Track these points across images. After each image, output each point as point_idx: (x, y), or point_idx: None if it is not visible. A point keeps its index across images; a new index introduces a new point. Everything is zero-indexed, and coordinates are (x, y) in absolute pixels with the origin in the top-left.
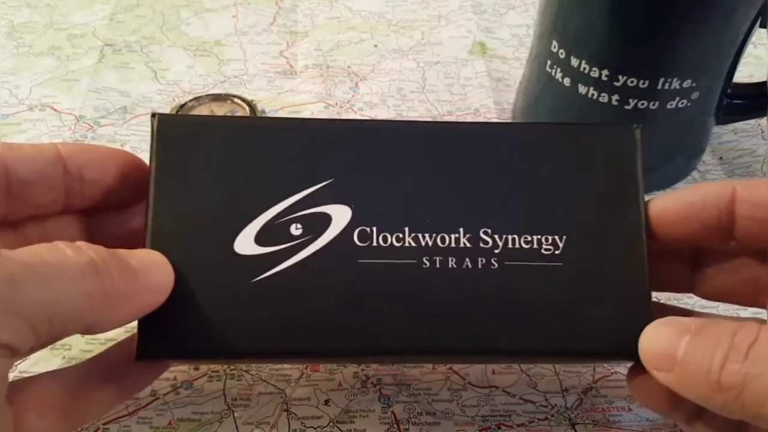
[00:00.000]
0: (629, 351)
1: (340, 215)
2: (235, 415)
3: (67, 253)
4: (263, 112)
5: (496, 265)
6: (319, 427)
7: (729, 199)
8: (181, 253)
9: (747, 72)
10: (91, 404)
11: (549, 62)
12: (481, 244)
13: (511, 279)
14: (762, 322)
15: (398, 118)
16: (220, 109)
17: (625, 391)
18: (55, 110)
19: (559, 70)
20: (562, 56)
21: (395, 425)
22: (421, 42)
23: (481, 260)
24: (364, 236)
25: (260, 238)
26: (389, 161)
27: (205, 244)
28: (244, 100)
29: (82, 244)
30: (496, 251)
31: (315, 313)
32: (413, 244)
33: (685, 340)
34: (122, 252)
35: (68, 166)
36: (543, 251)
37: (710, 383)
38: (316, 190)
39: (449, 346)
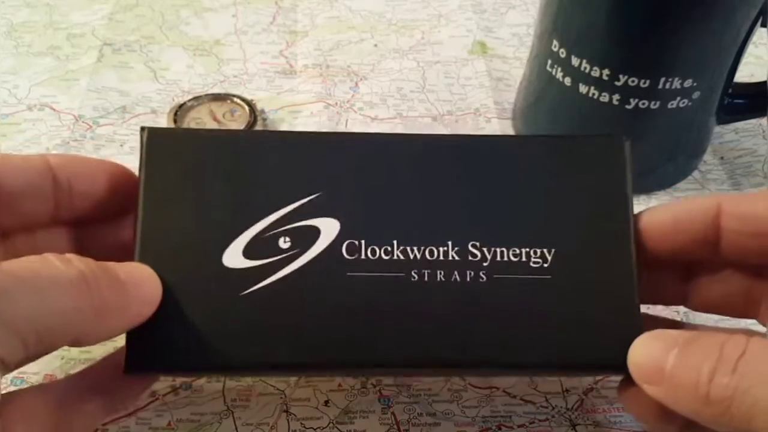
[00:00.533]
0: (618, 364)
1: (328, 228)
2: (235, 415)
3: (56, 266)
4: (263, 111)
5: (485, 278)
6: (318, 428)
7: (715, 213)
8: (170, 267)
9: (748, 72)
10: (80, 417)
11: (549, 62)
12: (470, 257)
13: (499, 292)
14: (750, 333)
15: (386, 132)
16: (220, 109)
17: None
18: (54, 110)
19: (559, 69)
20: (563, 56)
21: (395, 426)
22: (421, 41)
23: (470, 273)
24: (353, 249)
25: (249, 252)
26: (377, 174)
27: (194, 258)
28: (243, 99)
29: (71, 256)
30: (485, 264)
31: (304, 327)
32: (401, 257)
33: (674, 353)
34: (111, 265)
35: (58, 176)
36: (531, 264)
37: (699, 397)
38: (305, 203)
39: (438, 359)
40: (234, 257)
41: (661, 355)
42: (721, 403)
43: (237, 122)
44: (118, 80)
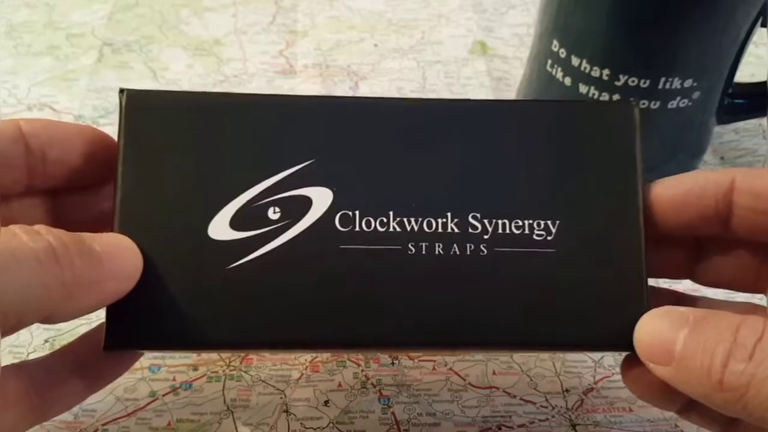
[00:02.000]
0: (625, 340)
1: (321, 198)
2: (235, 416)
3: (22, 239)
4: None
5: (486, 251)
6: (318, 428)
7: (728, 188)
8: (152, 238)
9: (748, 72)
10: (58, 397)
11: (550, 61)
12: (470, 230)
13: (500, 266)
14: (763, 313)
15: (383, 95)
16: None
17: (626, 391)
18: (54, 110)
19: (559, 69)
20: (563, 55)
21: (395, 426)
22: (421, 41)
23: (470, 246)
24: (347, 221)
25: (236, 223)
26: (373, 141)
27: (178, 228)
28: None
29: (41, 227)
30: (486, 237)
31: (294, 302)
32: (398, 229)
33: (684, 332)
34: (86, 236)
35: (30, 143)
36: (535, 237)
37: (712, 382)
38: (296, 171)
39: (436, 335)
40: (220, 228)
41: (670, 334)
42: (736, 390)
43: None
44: (118, 80)
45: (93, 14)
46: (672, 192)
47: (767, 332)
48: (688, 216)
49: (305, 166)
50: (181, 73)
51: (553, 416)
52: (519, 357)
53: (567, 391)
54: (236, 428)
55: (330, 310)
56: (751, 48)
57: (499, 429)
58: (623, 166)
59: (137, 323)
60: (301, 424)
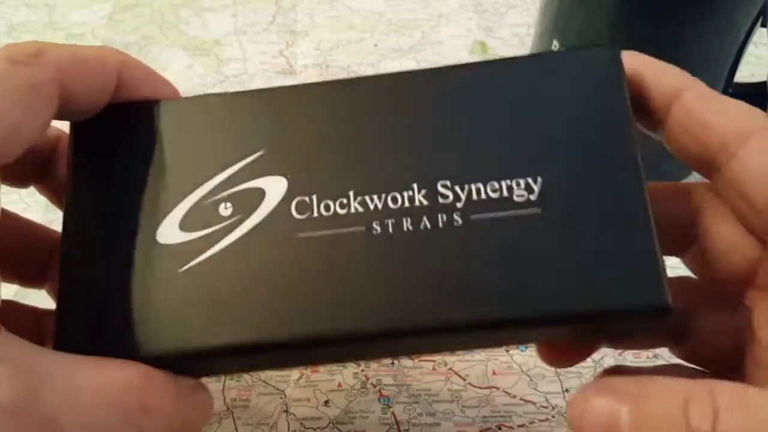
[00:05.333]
0: (628, 311)
1: (274, 188)
2: (235, 416)
3: None
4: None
5: (461, 221)
6: (318, 428)
7: (675, 95)
8: (102, 251)
9: (748, 72)
10: None
11: None
12: (440, 200)
13: (479, 235)
14: (689, 374)
15: (331, 78)
16: None
17: None
18: None
19: None
20: None
21: (395, 426)
22: (421, 41)
23: (442, 217)
24: (303, 207)
25: (185, 224)
26: (326, 123)
27: (127, 239)
28: None
29: None
30: (459, 205)
31: (253, 301)
32: (360, 209)
33: (626, 411)
34: None
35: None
36: (515, 198)
37: None
38: (247, 164)
39: (413, 324)
40: (169, 232)
41: (612, 412)
42: None
43: None
44: None
45: (93, 14)
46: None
47: (721, 412)
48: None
49: (256, 157)
50: (181, 73)
51: (553, 416)
52: (519, 357)
53: (567, 390)
54: (236, 428)
55: (292, 305)
56: (751, 48)
57: (499, 429)
58: (611, 110)
59: (89, 332)
60: (301, 424)
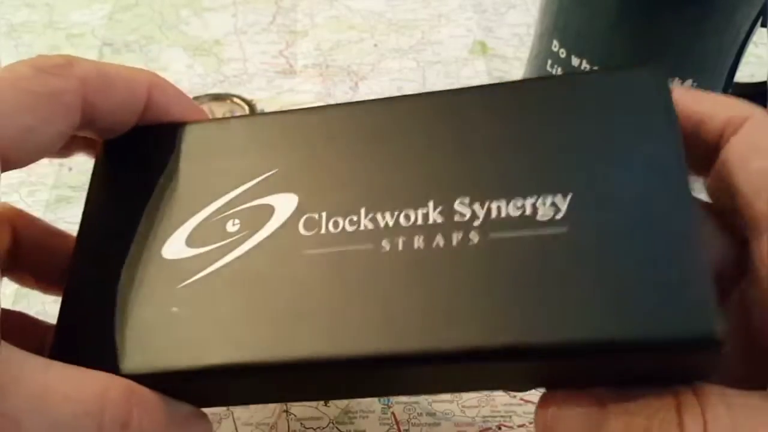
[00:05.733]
0: (666, 341)
1: (284, 204)
2: (235, 416)
3: None
4: (262, 111)
5: (477, 239)
6: (318, 428)
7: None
8: (107, 264)
9: (748, 72)
10: None
11: (550, 62)
12: (456, 218)
13: (496, 255)
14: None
15: (349, 101)
16: (220, 109)
17: None
18: None
19: (559, 69)
20: (563, 56)
21: (395, 426)
22: (421, 41)
23: (457, 235)
24: (312, 224)
25: (192, 240)
26: (343, 143)
27: (134, 253)
28: (243, 99)
29: None
30: (476, 223)
31: (252, 318)
32: (370, 226)
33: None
34: None
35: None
36: (539, 217)
37: None
38: (258, 182)
39: (418, 348)
40: (175, 248)
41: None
42: None
43: None
44: None
45: (93, 14)
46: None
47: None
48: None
49: (268, 176)
50: (181, 73)
51: None
52: None
53: None
54: (236, 428)
55: (291, 323)
56: (751, 48)
57: (499, 429)
58: (653, 122)
59: (84, 342)
60: (301, 424)
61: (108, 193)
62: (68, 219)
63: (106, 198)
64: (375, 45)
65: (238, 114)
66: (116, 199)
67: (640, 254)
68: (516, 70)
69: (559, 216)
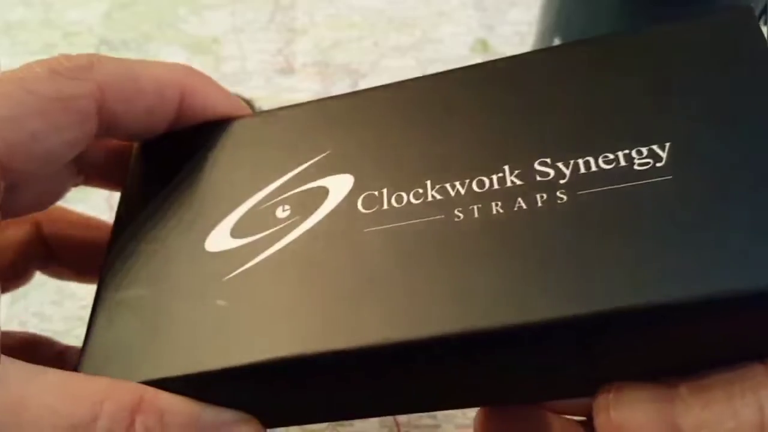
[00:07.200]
0: None
1: (339, 185)
2: None
3: None
4: (260, 109)
5: (565, 197)
6: (318, 429)
7: None
8: (145, 264)
9: None
10: None
11: None
12: (539, 178)
13: (591, 211)
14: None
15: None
16: None
17: None
18: None
19: None
20: None
21: (396, 428)
22: (421, 39)
23: (541, 197)
24: (372, 201)
25: (237, 231)
26: (396, 120)
27: (174, 250)
28: (242, 98)
29: None
30: (562, 182)
31: (304, 307)
32: (439, 196)
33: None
34: None
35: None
36: (636, 167)
37: None
38: (309, 165)
39: (515, 323)
40: (219, 239)
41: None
42: None
43: None
44: None
45: (90, 12)
46: None
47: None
48: None
49: (320, 158)
50: None
51: None
52: None
53: None
54: None
55: (355, 306)
56: None
57: None
58: (754, 69)
59: (117, 346)
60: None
61: (144, 192)
62: None
63: (141, 197)
64: (375, 43)
65: None
66: (153, 197)
67: (750, 201)
68: None
69: (660, 164)
